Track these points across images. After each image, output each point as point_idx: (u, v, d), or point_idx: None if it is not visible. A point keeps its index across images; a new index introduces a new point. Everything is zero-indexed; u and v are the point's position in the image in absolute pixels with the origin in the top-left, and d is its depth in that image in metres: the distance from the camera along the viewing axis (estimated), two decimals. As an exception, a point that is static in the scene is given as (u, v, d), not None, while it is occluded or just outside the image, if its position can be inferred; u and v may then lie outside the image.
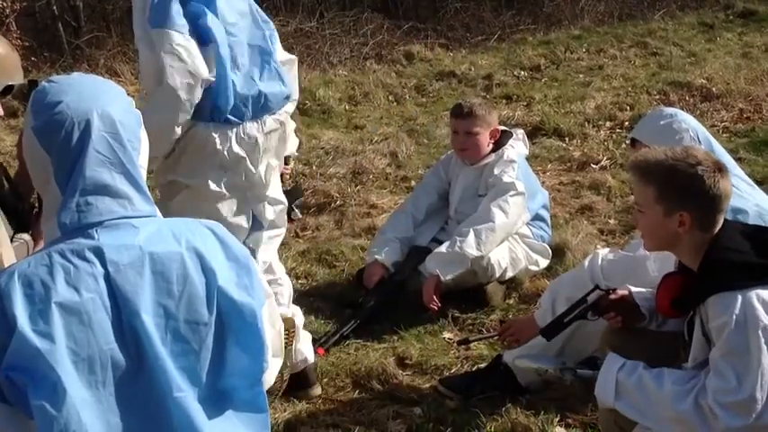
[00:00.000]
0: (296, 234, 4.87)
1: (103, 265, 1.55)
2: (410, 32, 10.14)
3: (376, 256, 3.94)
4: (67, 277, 1.53)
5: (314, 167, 5.97)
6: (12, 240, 2.39)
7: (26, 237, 2.45)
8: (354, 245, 4.57)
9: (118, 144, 1.62)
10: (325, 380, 3.27)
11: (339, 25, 10.03)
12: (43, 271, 1.53)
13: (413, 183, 5.52)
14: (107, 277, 1.55)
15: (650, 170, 2.29)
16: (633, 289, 2.63)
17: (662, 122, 3.08)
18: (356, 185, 5.57)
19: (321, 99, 7.78)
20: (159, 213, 1.69)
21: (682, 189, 2.24)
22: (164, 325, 1.58)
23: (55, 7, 10.26)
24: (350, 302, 3.90)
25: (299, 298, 3.92)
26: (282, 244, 4.63)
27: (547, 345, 3.10)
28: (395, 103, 7.91)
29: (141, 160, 1.68)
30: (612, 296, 2.63)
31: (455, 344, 3.45)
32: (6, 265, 2.05)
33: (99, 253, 1.56)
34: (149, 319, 1.56)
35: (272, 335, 1.77)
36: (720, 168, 2.25)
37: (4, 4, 9.64)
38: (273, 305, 1.80)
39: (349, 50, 9.45)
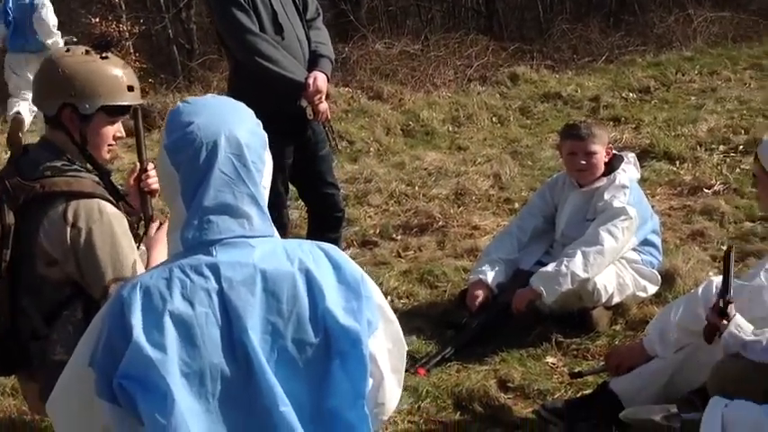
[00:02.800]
0: (398, 254, 4.90)
1: (218, 281, 1.60)
2: (515, 54, 10.11)
3: (480, 276, 3.92)
4: (183, 291, 1.58)
5: (416, 188, 5.99)
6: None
7: (143, 248, 2.58)
8: (456, 266, 4.54)
9: (242, 165, 1.66)
10: (427, 400, 3.25)
11: (444, 47, 10.09)
12: (162, 284, 1.59)
13: (516, 205, 5.47)
14: (220, 293, 1.59)
15: None
16: (740, 320, 2.55)
17: None
18: (459, 207, 5.55)
19: (425, 120, 7.83)
20: (277, 234, 1.73)
21: None
22: (271, 342, 1.61)
23: (170, 31, 10.72)
24: (452, 323, 3.88)
25: (401, 317, 3.92)
26: (384, 263, 4.71)
27: (655, 375, 3.02)
28: (499, 125, 7.88)
29: (264, 181, 1.72)
30: None
31: (568, 376, 3.37)
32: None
33: (215, 269, 1.60)
34: (257, 335, 1.60)
35: (395, 360, 1.79)
36: None
37: (124, 28, 10.12)
38: (392, 330, 1.80)
39: (453, 72, 9.48)
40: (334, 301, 1.66)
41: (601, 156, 3.95)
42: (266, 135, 1.77)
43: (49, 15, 7.62)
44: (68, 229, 2.27)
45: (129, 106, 2.50)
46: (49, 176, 2.32)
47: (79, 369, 1.62)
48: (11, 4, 7.69)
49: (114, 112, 2.47)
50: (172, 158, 1.67)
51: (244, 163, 1.66)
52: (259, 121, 1.77)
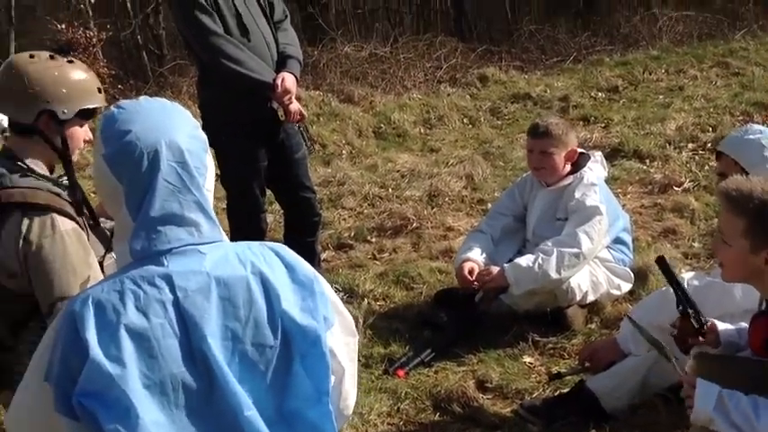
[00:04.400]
0: (373, 256, 4.91)
1: (172, 291, 1.58)
2: (484, 55, 10.17)
3: (465, 255, 3.94)
4: (137, 303, 1.56)
5: (390, 190, 6.01)
6: (104, 258, 2.49)
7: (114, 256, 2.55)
8: (432, 267, 4.56)
9: (186, 173, 1.64)
10: (406, 401, 3.26)
11: (413, 49, 10.12)
12: (115, 297, 1.57)
13: (489, 205, 5.47)
14: (176, 303, 1.58)
15: (742, 202, 2.18)
16: (720, 326, 2.56)
17: (749, 137, 3.02)
18: (432, 208, 5.58)
19: (396, 122, 7.84)
20: (226, 238, 1.71)
21: None
22: (231, 347, 1.61)
23: (139, 36, 10.64)
24: (428, 322, 3.91)
25: (378, 319, 3.95)
26: (359, 266, 4.71)
27: (630, 372, 3.06)
28: (470, 126, 7.92)
29: (208, 184, 1.70)
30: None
31: (545, 375, 3.39)
32: None
33: (168, 279, 1.59)
34: (217, 342, 1.59)
35: (351, 352, 1.80)
36: None
37: (92, 34, 10.01)
38: (346, 323, 1.80)
39: (423, 74, 9.51)
40: (290, 301, 1.66)
41: (559, 158, 3.95)
42: (206, 137, 1.74)
43: None
44: (21, 243, 2.25)
45: (97, 108, 2.49)
46: (8, 187, 2.30)
47: (35, 383, 1.59)
48: None
49: (88, 115, 2.47)
50: (113, 169, 1.63)
51: (187, 170, 1.64)
52: (197, 123, 1.73)
